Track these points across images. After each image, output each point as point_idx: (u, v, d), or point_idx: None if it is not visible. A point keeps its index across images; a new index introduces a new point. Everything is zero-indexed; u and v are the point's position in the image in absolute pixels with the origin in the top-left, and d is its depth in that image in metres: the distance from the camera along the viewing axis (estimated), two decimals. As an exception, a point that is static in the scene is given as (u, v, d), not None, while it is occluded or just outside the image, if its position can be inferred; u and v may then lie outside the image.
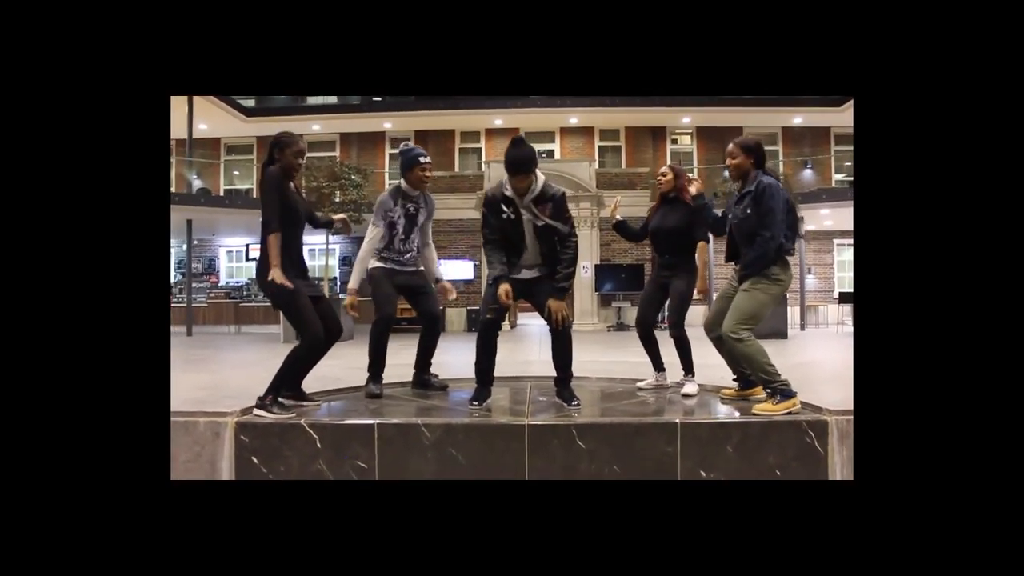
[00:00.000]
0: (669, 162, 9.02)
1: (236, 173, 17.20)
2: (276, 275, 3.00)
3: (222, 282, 16.70)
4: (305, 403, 3.34)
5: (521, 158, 3.11)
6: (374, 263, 3.75)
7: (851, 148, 15.77)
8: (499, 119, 15.81)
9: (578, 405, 3.28)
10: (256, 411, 3.08)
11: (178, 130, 13.36)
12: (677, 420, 2.96)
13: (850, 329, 12.68)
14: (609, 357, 6.81)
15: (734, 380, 3.62)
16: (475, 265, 13.64)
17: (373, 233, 3.73)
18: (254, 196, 15.56)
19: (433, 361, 4.02)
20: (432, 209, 3.94)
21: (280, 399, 3.16)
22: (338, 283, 15.62)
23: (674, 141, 16.48)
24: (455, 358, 6.70)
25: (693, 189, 3.65)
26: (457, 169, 15.90)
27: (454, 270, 13.35)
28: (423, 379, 3.95)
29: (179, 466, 2.93)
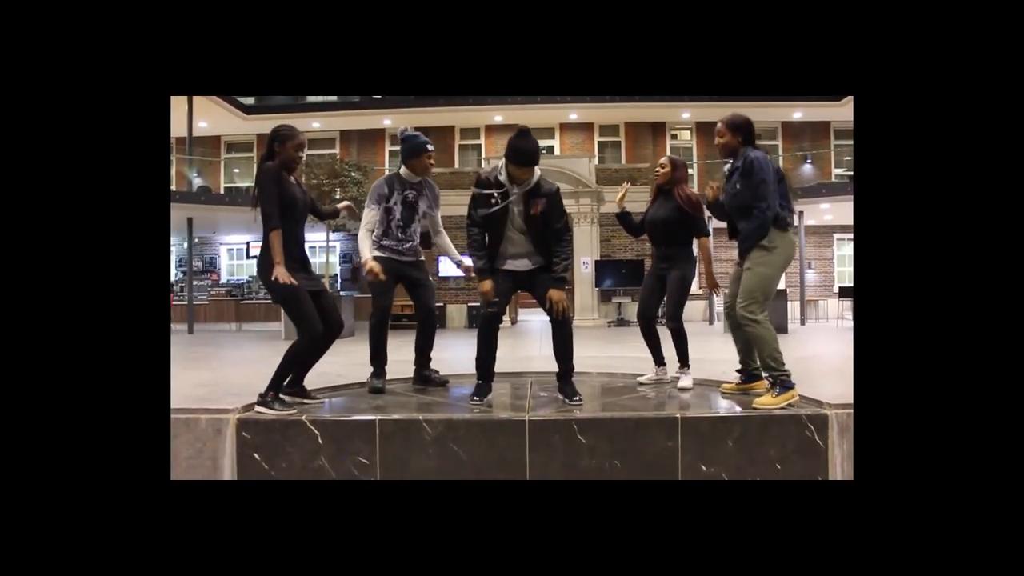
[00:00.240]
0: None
1: (236, 171, 17.22)
2: (280, 273, 2.99)
3: (223, 280, 16.72)
4: (307, 400, 3.34)
5: (527, 150, 3.12)
6: (373, 251, 3.72)
7: (851, 143, 15.77)
8: (499, 115, 15.86)
9: (580, 401, 3.28)
10: (257, 408, 3.08)
11: (178, 128, 13.38)
12: (677, 414, 2.97)
13: (850, 324, 12.70)
14: (609, 352, 6.83)
15: (737, 372, 3.62)
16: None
17: (368, 215, 3.69)
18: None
19: (434, 357, 4.02)
20: (436, 196, 3.91)
21: (281, 396, 3.17)
22: (339, 280, 15.64)
23: (674, 136, 16.50)
24: (456, 354, 6.72)
25: (710, 194, 3.56)
26: (457, 165, 15.93)
27: (454, 266, 13.34)
28: (423, 375, 3.96)
29: (181, 463, 2.94)
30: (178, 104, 12.71)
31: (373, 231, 3.70)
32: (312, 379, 3.53)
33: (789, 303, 11.20)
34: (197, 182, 15.76)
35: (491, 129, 16.42)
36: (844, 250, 16.09)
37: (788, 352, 3.17)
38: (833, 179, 15.45)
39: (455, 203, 13.54)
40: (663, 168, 3.82)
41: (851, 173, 15.74)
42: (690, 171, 14.80)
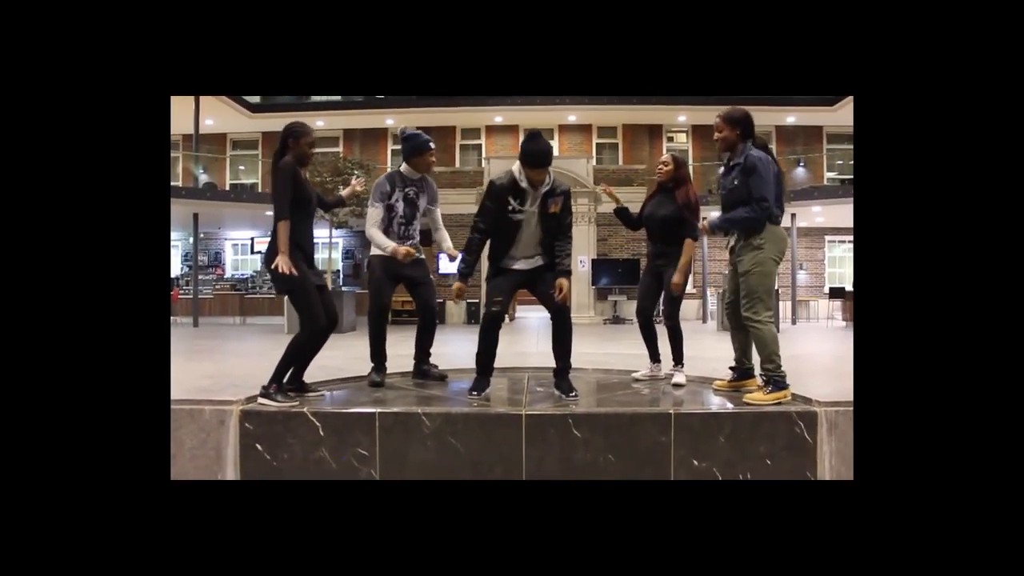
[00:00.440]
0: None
1: (242, 168, 17.29)
2: (282, 261, 3.05)
3: (228, 274, 16.88)
4: (308, 394, 3.38)
5: (543, 151, 3.20)
6: (373, 250, 3.77)
7: (843, 147, 15.90)
8: (499, 116, 15.94)
9: (575, 396, 3.32)
10: (260, 400, 3.14)
11: (185, 126, 13.42)
12: (671, 410, 3.02)
13: (839, 324, 12.80)
14: (605, 349, 6.88)
15: (730, 368, 3.65)
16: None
17: (373, 213, 3.72)
18: (259, 191, 15.65)
19: (433, 352, 4.06)
20: (435, 194, 3.96)
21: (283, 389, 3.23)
22: (341, 276, 15.70)
23: (670, 139, 16.56)
24: (455, 349, 6.77)
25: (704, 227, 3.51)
26: (458, 165, 16.02)
27: (455, 265, 13.37)
28: (422, 369, 4.01)
29: (185, 453, 2.99)
30: (185, 102, 12.73)
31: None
32: (314, 372, 3.57)
33: (781, 303, 11.28)
34: (203, 178, 15.78)
35: (491, 129, 16.51)
36: (835, 252, 16.22)
37: (779, 351, 3.24)
38: (825, 182, 15.57)
39: (456, 202, 13.69)
40: (666, 166, 3.83)
41: (843, 177, 15.84)
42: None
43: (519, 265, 3.42)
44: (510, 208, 3.28)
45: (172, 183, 14.48)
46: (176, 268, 16.67)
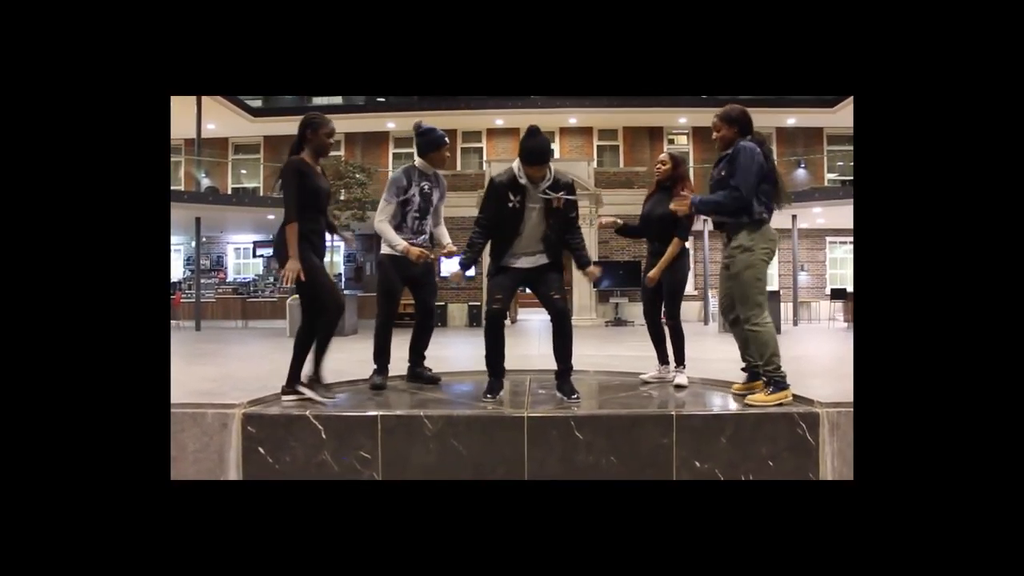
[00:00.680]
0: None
1: (243, 172, 17.33)
2: (291, 268, 3.05)
3: (230, 278, 16.90)
4: (319, 399, 3.25)
5: (541, 147, 3.23)
6: (385, 249, 3.73)
7: (843, 148, 15.90)
8: (500, 119, 15.94)
9: (577, 399, 3.31)
10: (284, 399, 3.18)
11: (187, 130, 13.45)
12: (672, 412, 3.02)
13: (841, 325, 12.77)
14: (607, 351, 6.88)
15: (742, 370, 3.61)
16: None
17: (387, 208, 3.66)
18: (261, 194, 15.68)
19: (435, 355, 4.06)
20: (444, 189, 3.95)
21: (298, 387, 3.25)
22: (343, 280, 15.73)
23: (671, 141, 16.58)
24: (456, 352, 6.78)
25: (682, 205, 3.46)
26: (459, 168, 16.01)
27: (455, 267, 13.39)
28: (416, 372, 3.99)
29: (187, 456, 2.99)
30: (187, 106, 12.75)
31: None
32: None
33: (782, 304, 11.27)
34: (205, 183, 15.82)
35: (492, 132, 16.53)
36: (836, 253, 16.21)
37: (781, 352, 3.24)
38: (826, 184, 15.59)
39: (457, 204, 13.66)
40: (664, 164, 3.82)
41: (843, 178, 15.84)
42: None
43: (521, 263, 3.40)
44: (510, 204, 3.28)
45: (174, 187, 14.54)
46: (178, 272, 16.71)
